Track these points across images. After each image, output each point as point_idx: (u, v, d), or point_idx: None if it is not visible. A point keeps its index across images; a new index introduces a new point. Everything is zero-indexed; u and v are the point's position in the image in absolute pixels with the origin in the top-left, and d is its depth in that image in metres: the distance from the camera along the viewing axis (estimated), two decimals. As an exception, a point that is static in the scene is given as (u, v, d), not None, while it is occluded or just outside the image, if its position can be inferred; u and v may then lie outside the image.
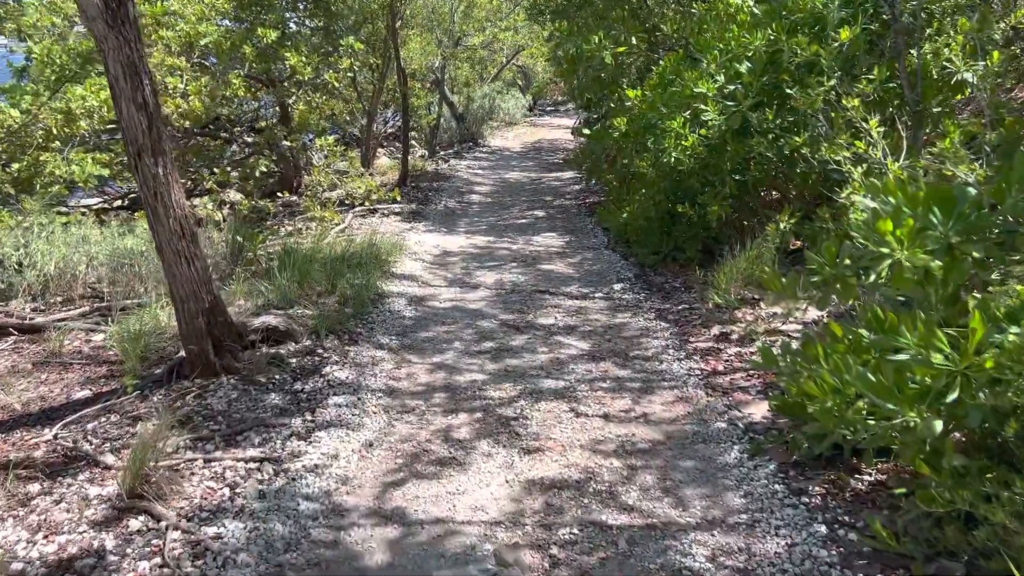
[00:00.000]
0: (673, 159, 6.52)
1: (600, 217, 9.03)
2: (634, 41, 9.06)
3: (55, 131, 8.31)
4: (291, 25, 11.69)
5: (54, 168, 7.71)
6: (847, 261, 3.65)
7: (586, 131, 13.69)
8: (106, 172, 8.27)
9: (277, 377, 4.59)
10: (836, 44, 5.10)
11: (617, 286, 6.88)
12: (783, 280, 3.76)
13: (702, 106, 6.34)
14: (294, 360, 4.85)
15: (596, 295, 6.65)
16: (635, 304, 6.32)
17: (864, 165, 5.12)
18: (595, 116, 15.02)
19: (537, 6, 17.23)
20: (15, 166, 8.29)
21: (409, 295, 6.63)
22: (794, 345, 4.63)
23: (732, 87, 6.49)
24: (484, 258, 8.15)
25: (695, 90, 6.48)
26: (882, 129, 4.78)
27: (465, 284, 7.06)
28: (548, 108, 28.54)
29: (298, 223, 10.66)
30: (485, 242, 8.97)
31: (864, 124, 4.82)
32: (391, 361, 5.01)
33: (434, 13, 18.32)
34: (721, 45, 6.74)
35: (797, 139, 5.60)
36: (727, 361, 4.90)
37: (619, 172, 9.57)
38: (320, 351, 5.03)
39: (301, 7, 11.23)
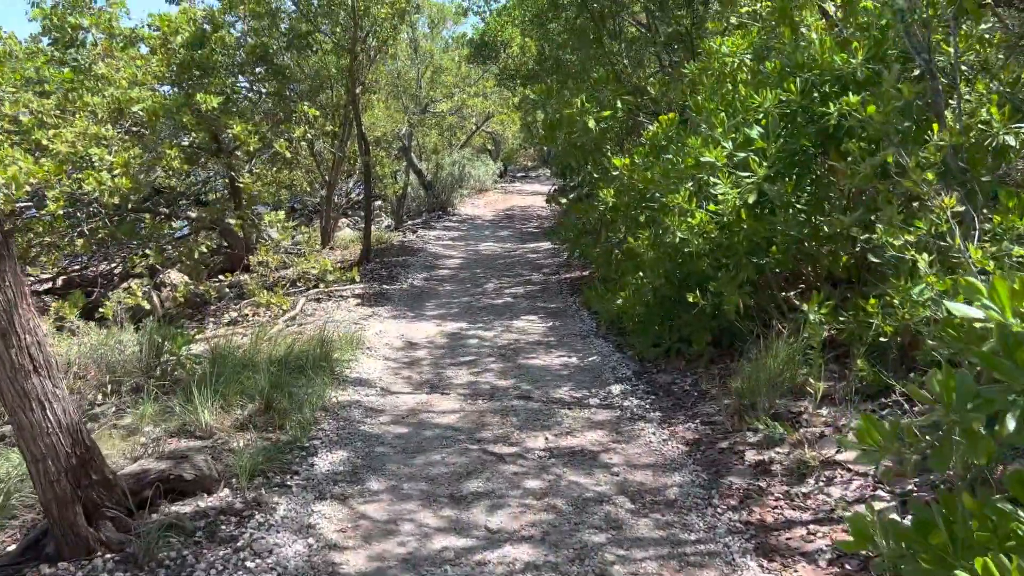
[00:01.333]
0: (678, 239, 5.50)
1: (588, 299, 7.96)
2: (619, 105, 8.16)
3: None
4: (241, 90, 10.71)
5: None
6: (971, 403, 2.58)
7: (563, 200, 12.82)
8: None
9: (174, 554, 3.35)
10: (899, 103, 4.13)
11: (616, 388, 5.76)
12: (880, 429, 2.68)
13: (712, 178, 5.36)
14: (203, 523, 3.61)
15: (591, 400, 5.53)
16: (641, 415, 5.19)
17: (928, 251, 4.12)
18: (572, 184, 14.16)
19: (507, 71, 16.60)
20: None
21: (365, 408, 5.43)
22: (876, 503, 3.54)
23: (743, 155, 5.54)
24: (457, 351, 7.00)
25: (701, 159, 5.51)
26: (961, 208, 3.80)
27: (434, 389, 5.89)
28: (519, 174, 27.87)
29: (244, 308, 9.48)
30: (458, 329, 7.84)
31: (933, 200, 3.84)
32: (335, 519, 3.79)
33: (400, 79, 17.56)
34: (722, 107, 5.82)
35: (842, 218, 4.61)
36: (775, 507, 3.77)
37: (605, 247, 8.58)
38: (240, 506, 3.80)
39: (249, 71, 10.24)
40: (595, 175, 8.83)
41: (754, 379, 4.88)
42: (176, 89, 9.65)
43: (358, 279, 9.43)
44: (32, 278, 10.65)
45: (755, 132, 5.58)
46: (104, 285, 9.76)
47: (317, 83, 11.35)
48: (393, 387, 5.97)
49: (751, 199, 5.33)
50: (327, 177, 12.63)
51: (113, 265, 10.23)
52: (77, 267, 11.07)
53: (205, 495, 3.85)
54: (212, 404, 4.81)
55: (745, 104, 5.70)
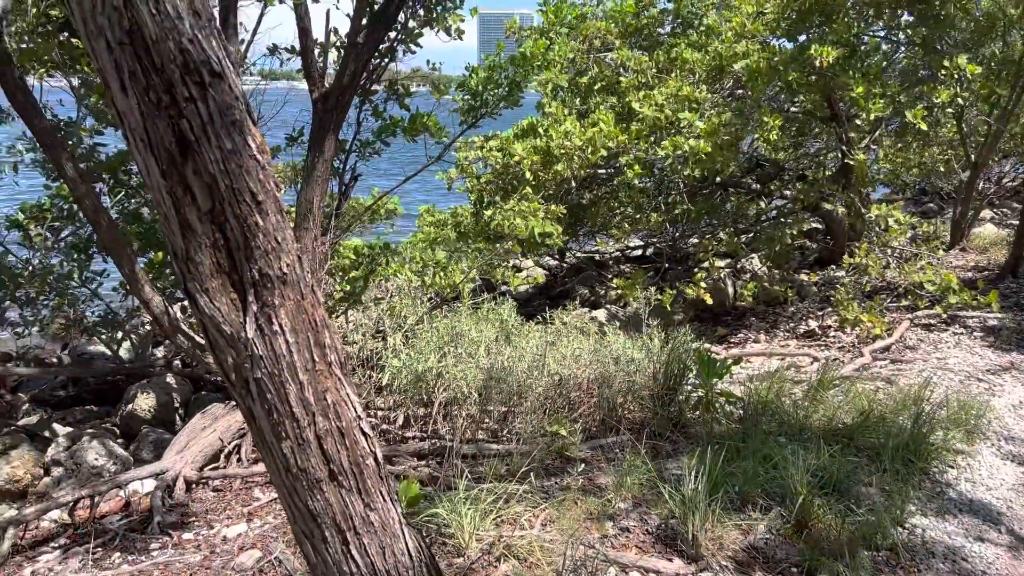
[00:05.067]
0: None
1: None
2: None
3: (529, 175, 6.81)
4: (875, 41, 8.48)
5: (502, 220, 6.14)
6: None
7: None
8: (555, 231, 6.36)
9: None
10: None
11: None
12: None
13: None
14: None
15: None
16: None
17: None
18: None
19: None
20: (487, 213, 7.06)
21: (966, 568, 3.09)
22: None
23: None
24: None
25: None
26: None
27: (1120, 563, 3.16)
28: None
29: (827, 318, 7.49)
30: None
31: None
32: None
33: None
34: None
35: None
36: None
37: None
38: None
39: (887, 15, 7.91)
40: None
41: None
42: (789, 43, 8.00)
43: (997, 308, 6.54)
44: (614, 248, 10.43)
45: None
46: (677, 267, 8.86)
47: (983, 29, 8.36)
48: (1032, 533, 3.41)
49: None
50: (973, 156, 9.52)
51: (691, 245, 9.26)
52: (668, 241, 10.40)
53: None
54: (713, 502, 3.13)
55: None
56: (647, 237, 10.16)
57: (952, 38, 8.48)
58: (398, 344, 4.36)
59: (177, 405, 5.58)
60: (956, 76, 7.55)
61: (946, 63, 7.46)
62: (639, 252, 11.09)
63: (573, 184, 7.14)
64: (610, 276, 9.35)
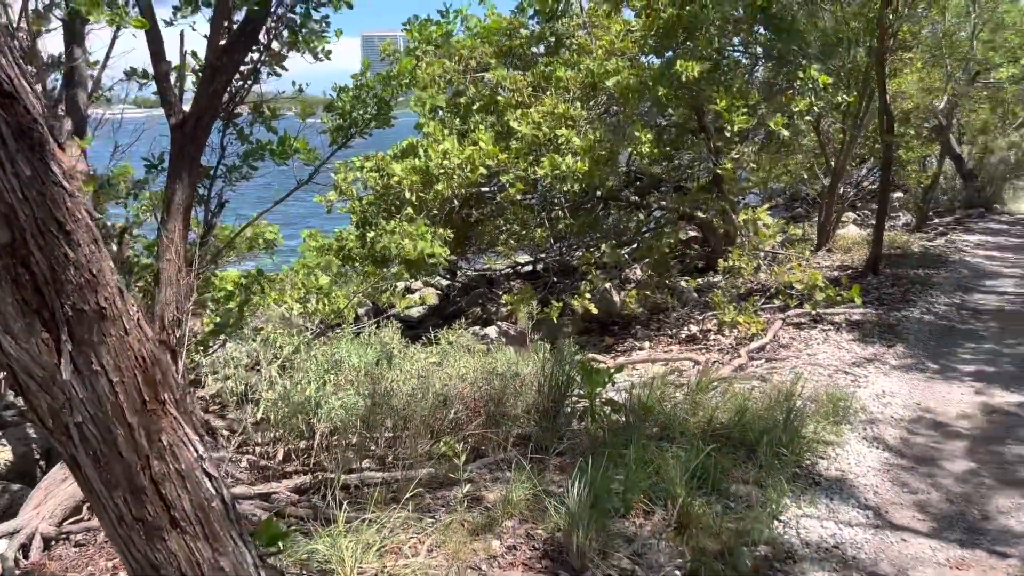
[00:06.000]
0: None
1: None
2: None
3: (410, 195, 6.75)
4: (734, 54, 8.90)
5: (387, 242, 6.05)
6: None
7: None
8: (443, 252, 6.33)
9: None
10: None
11: None
12: None
13: None
14: None
15: None
16: None
17: None
18: None
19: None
20: (370, 236, 6.94)
21: (839, 561, 3.22)
22: None
23: None
24: (1016, 453, 4.24)
25: None
26: None
27: (975, 536, 3.37)
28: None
29: (708, 322, 7.76)
30: (1015, 407, 4.95)
31: None
32: None
33: (945, 38, 13.79)
34: None
35: None
36: None
37: None
38: None
39: (745, 30, 8.33)
40: None
41: None
42: (656, 60, 8.30)
43: (859, 301, 6.94)
44: (504, 265, 10.49)
45: None
46: (564, 280, 8.97)
47: (831, 42, 8.92)
48: (894, 514, 3.60)
49: None
50: (833, 162, 10.14)
51: (576, 259, 9.42)
52: (555, 255, 10.53)
53: None
54: (597, 512, 3.14)
55: None
56: (536, 252, 10.27)
57: (804, 51, 9.01)
58: (274, 375, 4.20)
59: (38, 456, 5.17)
60: (811, 86, 8.01)
61: (800, 74, 7.91)
62: (529, 268, 11.20)
63: (456, 203, 7.12)
64: (501, 293, 9.38)
